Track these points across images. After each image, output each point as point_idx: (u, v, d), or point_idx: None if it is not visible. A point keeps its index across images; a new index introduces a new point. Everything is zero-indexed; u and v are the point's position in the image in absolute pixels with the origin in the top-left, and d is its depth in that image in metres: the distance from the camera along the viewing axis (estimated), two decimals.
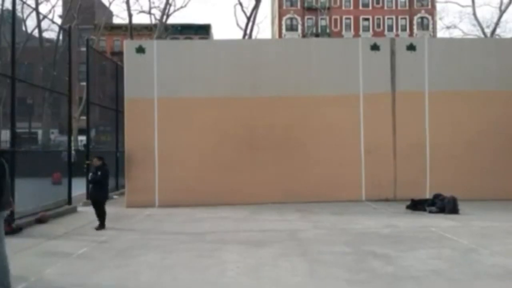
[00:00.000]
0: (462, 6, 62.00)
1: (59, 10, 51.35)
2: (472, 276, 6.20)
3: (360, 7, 62.08)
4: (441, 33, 52.70)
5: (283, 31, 61.66)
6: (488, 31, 35.34)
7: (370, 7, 62.10)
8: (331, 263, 6.90)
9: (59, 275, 6.54)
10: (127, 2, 32.94)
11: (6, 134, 12.09)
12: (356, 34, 59.11)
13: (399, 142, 14.33)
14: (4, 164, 5.74)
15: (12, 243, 7.19)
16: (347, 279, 6.11)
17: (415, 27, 61.58)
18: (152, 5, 66.34)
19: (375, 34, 58.30)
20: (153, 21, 36.23)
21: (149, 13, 35.41)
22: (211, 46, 15.75)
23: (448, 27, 52.32)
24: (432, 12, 60.44)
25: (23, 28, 23.56)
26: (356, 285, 5.93)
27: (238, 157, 13.95)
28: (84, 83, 16.62)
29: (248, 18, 32.95)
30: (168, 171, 13.80)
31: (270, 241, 8.50)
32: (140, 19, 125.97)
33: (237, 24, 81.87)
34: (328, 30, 60.91)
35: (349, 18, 62.11)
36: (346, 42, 17.41)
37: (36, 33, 25.68)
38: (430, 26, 61.20)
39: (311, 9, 61.36)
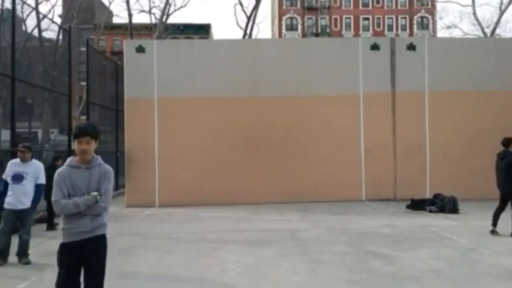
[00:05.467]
0: (462, 6, 62.22)
1: (59, 9, 51.43)
2: (472, 276, 6.20)
3: (360, 7, 62.07)
4: (441, 33, 52.81)
5: (283, 31, 61.64)
6: (488, 31, 35.29)
7: (370, 7, 62.08)
8: (331, 263, 6.90)
9: None
10: (127, 2, 32.86)
11: (6, 134, 12.09)
12: (356, 34, 59.10)
13: (399, 142, 14.34)
14: None
15: (12, 243, 7.20)
16: (347, 279, 6.11)
17: (415, 26, 61.57)
18: (152, 5, 66.43)
19: (375, 33, 58.28)
20: (153, 21, 36.20)
21: (149, 12, 35.38)
22: (211, 46, 15.75)
23: (448, 27, 52.51)
24: (432, 11, 60.43)
25: (23, 28, 23.52)
26: (356, 285, 5.93)
27: (238, 157, 13.96)
28: (84, 83, 16.63)
29: (248, 18, 32.91)
30: (168, 171, 13.81)
31: (270, 241, 8.50)
32: (140, 18, 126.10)
33: (237, 24, 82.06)
34: (328, 30, 60.91)
35: (349, 18, 62.10)
36: (346, 42, 17.39)
37: (36, 32, 25.63)
38: (430, 26, 61.19)
39: (311, 9, 61.36)
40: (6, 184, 7.18)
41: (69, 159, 4.03)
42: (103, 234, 3.98)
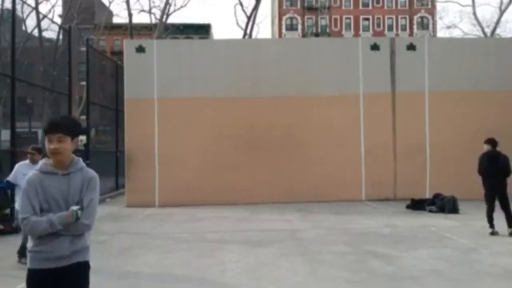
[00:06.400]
0: (462, 6, 62.21)
1: (59, 9, 51.47)
2: (472, 276, 6.20)
3: (360, 7, 62.11)
4: (441, 33, 52.83)
5: (283, 31, 61.67)
6: (488, 30, 35.31)
7: (370, 7, 62.12)
8: (331, 263, 6.90)
9: None
10: (127, 2, 32.89)
11: (6, 134, 12.10)
12: (356, 34, 59.12)
13: (399, 142, 14.33)
14: None
15: (12, 243, 7.20)
16: (347, 279, 6.11)
17: (415, 26, 61.60)
18: (152, 5, 66.45)
19: (375, 33, 58.29)
20: (153, 21, 36.20)
21: (149, 12, 35.39)
22: (211, 46, 15.74)
23: (448, 27, 52.57)
24: (432, 11, 60.46)
25: (23, 28, 23.53)
26: (356, 285, 5.93)
27: (238, 157, 13.95)
28: (84, 83, 16.63)
29: (248, 18, 32.91)
30: (168, 171, 13.80)
31: (270, 241, 8.50)
32: (140, 18, 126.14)
33: (237, 24, 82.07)
34: (328, 30, 60.94)
35: (349, 18, 62.14)
36: (346, 42, 17.39)
37: (36, 32, 25.67)
38: (430, 26, 61.22)
39: (311, 9, 61.40)
40: (8, 184, 7.15)
41: (41, 163, 3.08)
42: (85, 261, 3.07)
